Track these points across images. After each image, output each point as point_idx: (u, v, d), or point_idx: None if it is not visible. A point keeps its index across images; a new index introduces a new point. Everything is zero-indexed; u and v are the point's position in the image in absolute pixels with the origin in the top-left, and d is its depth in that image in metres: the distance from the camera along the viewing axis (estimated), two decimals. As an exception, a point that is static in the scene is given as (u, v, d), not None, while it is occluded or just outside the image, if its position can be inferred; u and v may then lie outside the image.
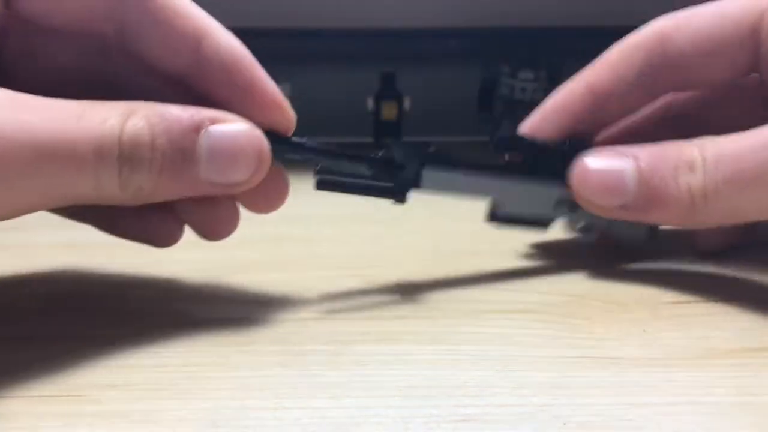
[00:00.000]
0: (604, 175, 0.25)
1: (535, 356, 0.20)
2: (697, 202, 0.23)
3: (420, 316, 0.23)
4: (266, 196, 0.23)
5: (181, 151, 0.20)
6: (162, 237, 0.24)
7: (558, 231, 0.28)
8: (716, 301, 0.24)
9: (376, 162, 0.24)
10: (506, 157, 0.26)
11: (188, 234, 0.26)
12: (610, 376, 0.18)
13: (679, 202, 0.23)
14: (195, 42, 0.21)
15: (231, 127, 0.20)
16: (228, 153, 0.20)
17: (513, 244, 0.30)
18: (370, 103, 0.57)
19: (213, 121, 0.20)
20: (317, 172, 0.23)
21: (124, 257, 0.28)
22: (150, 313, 0.23)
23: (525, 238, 0.29)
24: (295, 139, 0.23)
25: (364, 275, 0.26)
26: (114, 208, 0.22)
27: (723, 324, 0.22)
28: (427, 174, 0.25)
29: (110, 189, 0.19)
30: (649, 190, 0.24)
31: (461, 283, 0.26)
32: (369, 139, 0.57)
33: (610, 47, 0.27)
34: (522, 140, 0.26)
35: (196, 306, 0.23)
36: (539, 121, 0.28)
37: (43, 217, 0.32)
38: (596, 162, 0.25)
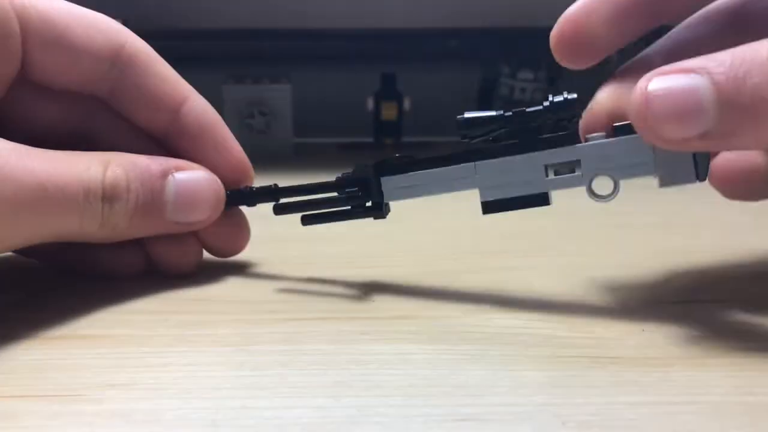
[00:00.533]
0: (673, 98, 0.19)
1: (535, 355, 0.20)
2: None
3: (420, 315, 0.23)
4: (228, 241, 0.27)
5: (152, 193, 0.23)
6: (124, 269, 0.26)
7: (551, 225, 0.28)
8: (716, 301, 0.24)
9: (339, 184, 0.25)
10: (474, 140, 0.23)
11: (188, 234, 0.26)
12: (610, 376, 0.18)
13: None
14: (177, 105, 0.25)
15: (193, 174, 0.24)
16: (190, 195, 0.24)
17: (511, 243, 0.30)
18: (370, 103, 0.57)
19: (177, 169, 0.24)
20: (276, 211, 0.26)
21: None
22: (150, 313, 0.23)
23: (523, 237, 0.29)
24: (267, 186, 0.26)
25: (364, 274, 0.26)
26: (87, 246, 0.24)
27: (722, 324, 0.22)
28: (386, 182, 0.24)
29: (92, 226, 0.22)
30: (735, 109, 0.18)
31: (461, 282, 0.26)
32: (369, 139, 0.57)
33: None
34: (486, 117, 0.22)
35: (196, 305, 0.24)
36: (590, 3, 0.23)
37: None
38: (659, 83, 0.19)
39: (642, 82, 0.19)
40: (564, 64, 0.23)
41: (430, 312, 0.23)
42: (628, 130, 0.21)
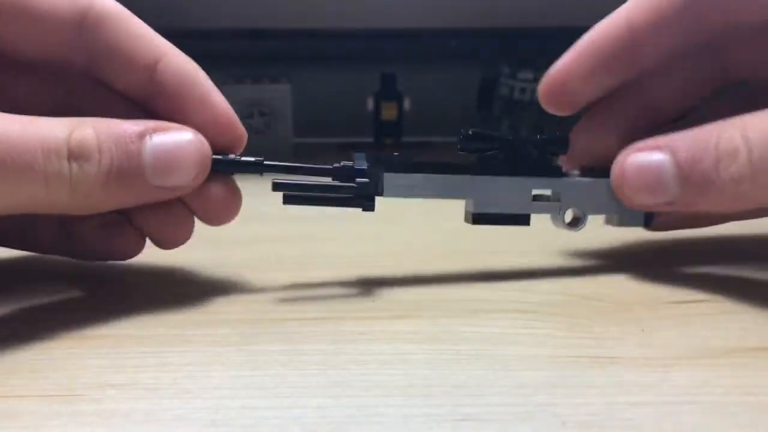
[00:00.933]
0: (643, 173, 0.24)
1: (535, 355, 0.20)
2: (744, 189, 0.22)
3: (420, 315, 0.23)
4: (219, 209, 0.24)
5: (127, 154, 0.21)
6: (124, 250, 0.25)
7: (548, 226, 0.28)
8: (715, 300, 0.24)
9: (335, 172, 0.24)
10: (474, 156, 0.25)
11: (188, 234, 0.26)
12: (609, 376, 0.18)
13: (724, 194, 0.22)
14: (152, 62, 0.23)
15: (173, 134, 0.22)
16: (171, 156, 0.22)
17: (512, 244, 0.30)
18: (370, 103, 0.57)
19: (157, 129, 0.22)
20: (275, 187, 0.23)
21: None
22: (150, 313, 0.23)
23: (523, 237, 0.29)
24: (252, 158, 0.24)
25: (364, 274, 0.26)
26: (75, 229, 0.23)
27: (722, 323, 0.22)
28: (388, 178, 0.24)
29: (60, 193, 0.20)
30: (691, 186, 0.23)
31: (461, 282, 0.26)
32: (369, 139, 0.57)
33: None
34: (488, 136, 0.25)
35: (196, 305, 0.24)
36: (572, 62, 0.26)
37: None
38: (633, 159, 0.24)
39: (620, 156, 0.24)
40: (551, 112, 0.27)
41: (430, 312, 0.23)
42: (596, 172, 0.26)
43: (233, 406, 0.17)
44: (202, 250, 0.25)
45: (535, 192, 0.26)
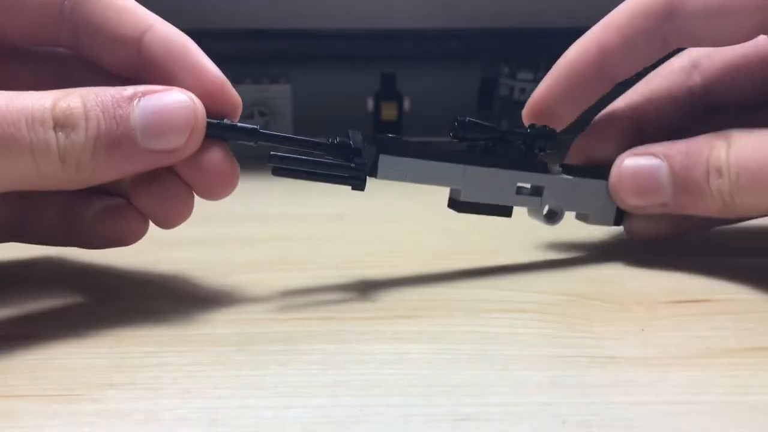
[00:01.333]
0: (639, 176, 0.26)
1: (535, 355, 0.20)
2: (728, 202, 0.24)
3: (419, 315, 0.23)
4: (215, 179, 0.23)
5: (115, 119, 0.20)
6: (127, 234, 0.25)
7: (546, 227, 0.28)
8: (714, 300, 0.24)
9: (331, 148, 0.24)
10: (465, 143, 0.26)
11: (188, 234, 0.26)
12: (609, 375, 0.18)
13: (713, 202, 0.24)
14: (138, 35, 0.23)
15: (164, 95, 0.21)
16: (162, 118, 0.21)
17: (512, 244, 0.30)
18: (370, 103, 0.57)
19: (146, 92, 0.21)
20: (270, 159, 0.23)
21: (124, 257, 0.28)
22: (150, 313, 0.23)
23: (523, 237, 0.29)
24: (248, 124, 0.23)
25: (364, 274, 0.26)
26: (77, 217, 0.23)
27: (721, 323, 0.22)
28: (384, 160, 0.24)
29: (49, 164, 0.19)
30: (685, 191, 0.25)
31: (461, 282, 0.26)
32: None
33: (618, 8, 0.27)
34: (481, 126, 0.26)
35: (196, 305, 0.24)
36: (550, 86, 0.28)
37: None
38: (630, 163, 0.26)
39: (618, 160, 0.27)
40: None
41: (430, 312, 0.23)
42: (576, 170, 0.27)
43: (233, 406, 0.17)
44: (202, 250, 0.25)
45: (519, 185, 0.27)
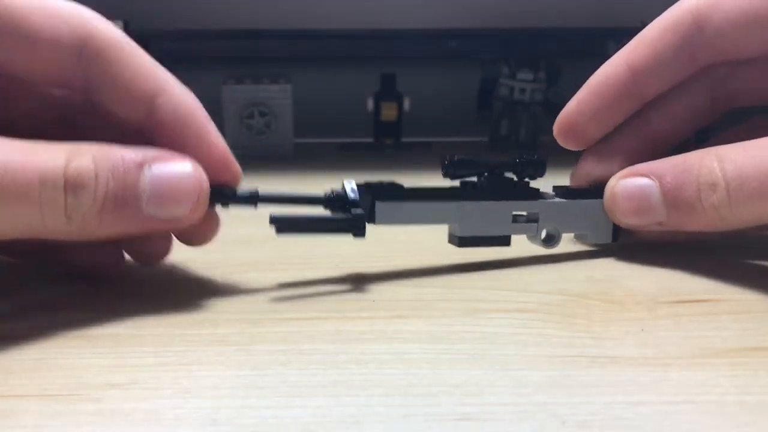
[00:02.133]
0: (632, 198, 0.26)
1: (534, 355, 0.20)
2: (723, 215, 0.24)
3: (420, 315, 0.23)
4: (198, 234, 0.25)
5: (124, 183, 0.21)
6: (104, 265, 0.26)
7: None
8: (714, 300, 0.24)
9: (329, 201, 0.25)
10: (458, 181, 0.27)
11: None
12: (609, 375, 0.18)
13: (707, 218, 0.25)
14: (151, 96, 0.23)
15: (173, 165, 0.22)
16: (170, 188, 0.21)
17: (512, 244, 0.30)
18: (370, 103, 0.57)
19: (156, 159, 0.21)
20: (271, 222, 0.24)
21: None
22: (150, 313, 0.23)
23: (523, 237, 0.29)
24: (247, 191, 0.24)
25: (363, 274, 0.26)
26: (65, 244, 0.23)
27: (721, 323, 0.22)
28: (380, 207, 0.25)
29: (56, 221, 0.20)
30: (678, 210, 0.25)
31: (461, 282, 0.26)
32: (369, 139, 0.57)
33: (647, 27, 0.28)
34: (470, 162, 0.27)
35: (196, 305, 0.24)
36: (579, 104, 0.29)
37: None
38: (622, 184, 0.27)
39: (611, 182, 0.27)
40: (567, 148, 0.30)
41: (430, 312, 0.23)
42: (570, 192, 0.28)
43: (233, 405, 0.17)
44: (202, 249, 0.25)
45: (514, 213, 0.27)
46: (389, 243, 0.32)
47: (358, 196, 0.25)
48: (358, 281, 0.26)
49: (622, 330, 0.21)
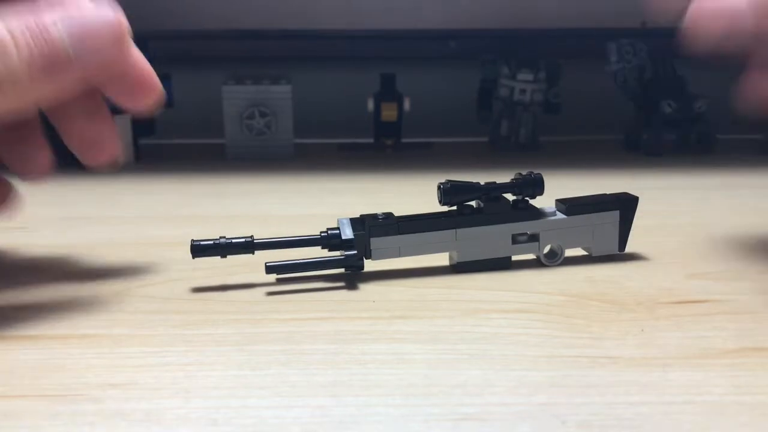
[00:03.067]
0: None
1: (534, 355, 0.20)
2: None
3: (419, 315, 0.23)
4: (141, 88, 0.24)
5: (43, 39, 0.21)
6: (35, 168, 0.25)
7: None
8: (715, 300, 0.24)
9: (324, 242, 0.26)
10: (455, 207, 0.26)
11: (189, 234, 0.26)
12: (609, 376, 0.18)
13: None
14: None
15: (84, 12, 0.22)
16: (85, 27, 0.22)
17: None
18: (370, 103, 0.57)
19: (66, 12, 0.22)
20: (267, 270, 0.25)
21: (124, 257, 0.28)
22: (150, 313, 0.23)
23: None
24: (242, 237, 0.25)
25: (364, 274, 0.26)
26: None
27: (720, 324, 0.22)
28: (376, 243, 0.26)
29: None
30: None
31: (461, 282, 0.26)
32: (369, 140, 0.57)
33: None
34: (465, 187, 0.26)
35: (196, 305, 0.24)
36: None
37: (45, 218, 0.32)
38: None
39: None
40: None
41: (430, 312, 0.23)
42: (571, 206, 0.27)
43: (233, 406, 0.17)
44: (202, 250, 0.25)
45: (514, 233, 0.27)
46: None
47: (352, 233, 0.25)
48: (358, 281, 0.26)
49: (622, 330, 0.21)
